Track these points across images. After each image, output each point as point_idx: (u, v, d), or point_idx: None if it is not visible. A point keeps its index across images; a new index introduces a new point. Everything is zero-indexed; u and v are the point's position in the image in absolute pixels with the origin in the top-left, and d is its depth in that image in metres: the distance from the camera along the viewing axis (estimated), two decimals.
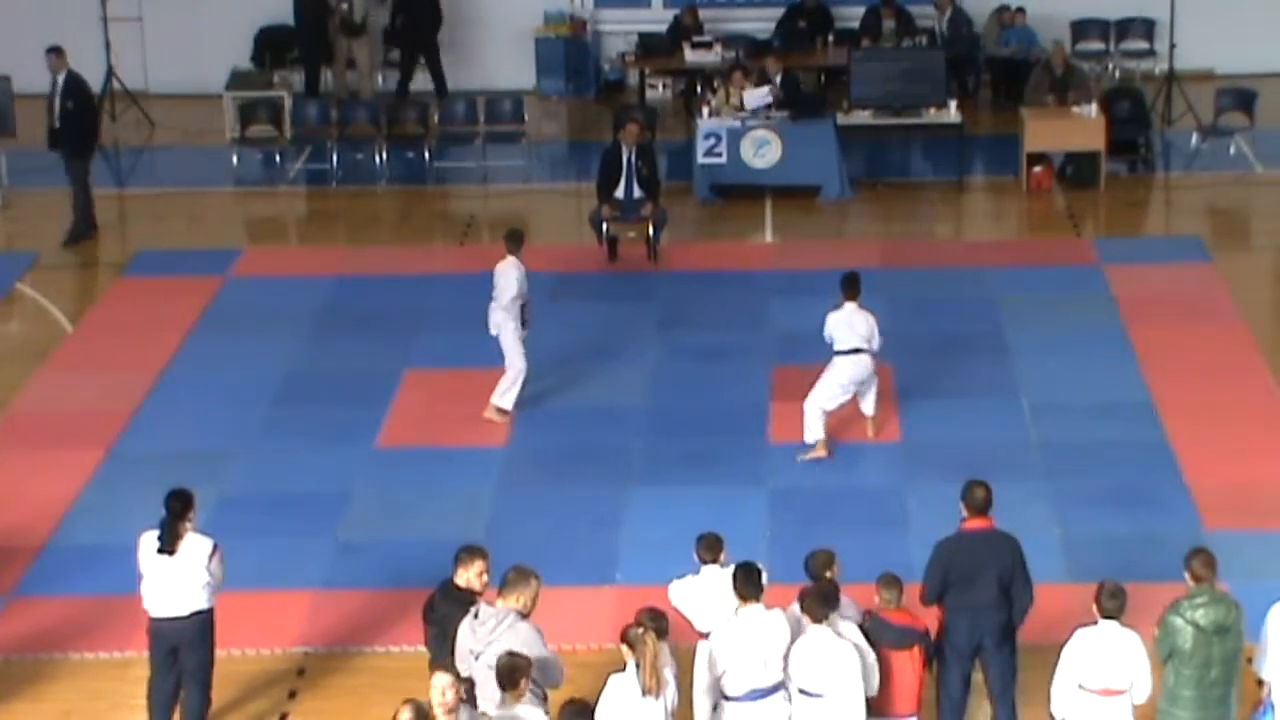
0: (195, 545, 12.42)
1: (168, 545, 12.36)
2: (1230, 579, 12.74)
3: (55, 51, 22.43)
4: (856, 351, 16.27)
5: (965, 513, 12.36)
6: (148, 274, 21.10)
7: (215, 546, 12.46)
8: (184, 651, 12.52)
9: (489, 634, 11.35)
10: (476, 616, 11.45)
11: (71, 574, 14.83)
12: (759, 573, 11.74)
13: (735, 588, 11.68)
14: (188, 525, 12.44)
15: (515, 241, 17.12)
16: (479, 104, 25.11)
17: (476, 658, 11.38)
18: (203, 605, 12.47)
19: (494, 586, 11.79)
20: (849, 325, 16.29)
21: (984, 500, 12.33)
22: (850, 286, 16.36)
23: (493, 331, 17.08)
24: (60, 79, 22.25)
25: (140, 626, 12.66)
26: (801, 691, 11.58)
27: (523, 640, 11.28)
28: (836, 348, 16.32)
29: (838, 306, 16.36)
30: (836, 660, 11.49)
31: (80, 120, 22.23)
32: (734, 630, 11.58)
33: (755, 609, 11.65)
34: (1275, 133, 24.24)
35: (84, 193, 22.17)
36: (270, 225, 23.43)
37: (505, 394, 17.15)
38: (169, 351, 18.86)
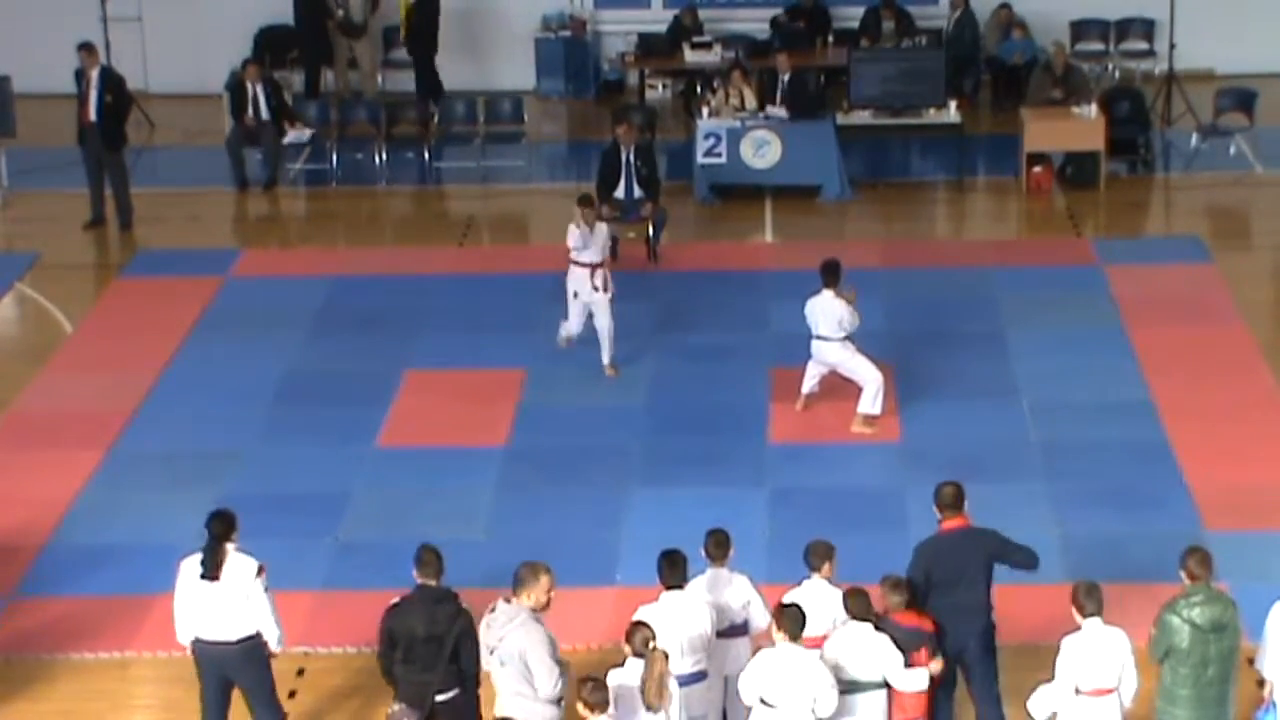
0: (239, 566, 11.96)
1: (210, 571, 11.92)
2: (1230, 579, 12.76)
3: (86, 48, 22.52)
4: (823, 339, 16.69)
5: (939, 514, 12.36)
6: (148, 274, 21.09)
7: (261, 568, 12.00)
8: (236, 676, 12.15)
9: (500, 630, 11.40)
10: (493, 612, 11.48)
11: (71, 574, 14.81)
12: (684, 560, 11.86)
13: (660, 576, 11.84)
14: (230, 546, 11.99)
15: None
16: (479, 104, 25.12)
17: (491, 652, 11.44)
18: (251, 631, 12.08)
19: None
20: (821, 312, 16.60)
21: (952, 497, 12.33)
22: (828, 274, 16.60)
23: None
24: (95, 75, 22.32)
25: (141, 627, 12.64)
26: (761, 701, 11.52)
27: (533, 640, 11.30)
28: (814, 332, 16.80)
29: (816, 293, 16.65)
30: (798, 676, 11.39)
31: (119, 114, 22.44)
32: (656, 613, 11.65)
33: (675, 595, 11.78)
34: (1275, 133, 24.22)
35: (125, 182, 22.44)
36: (270, 225, 23.43)
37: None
38: (169, 351, 18.85)
